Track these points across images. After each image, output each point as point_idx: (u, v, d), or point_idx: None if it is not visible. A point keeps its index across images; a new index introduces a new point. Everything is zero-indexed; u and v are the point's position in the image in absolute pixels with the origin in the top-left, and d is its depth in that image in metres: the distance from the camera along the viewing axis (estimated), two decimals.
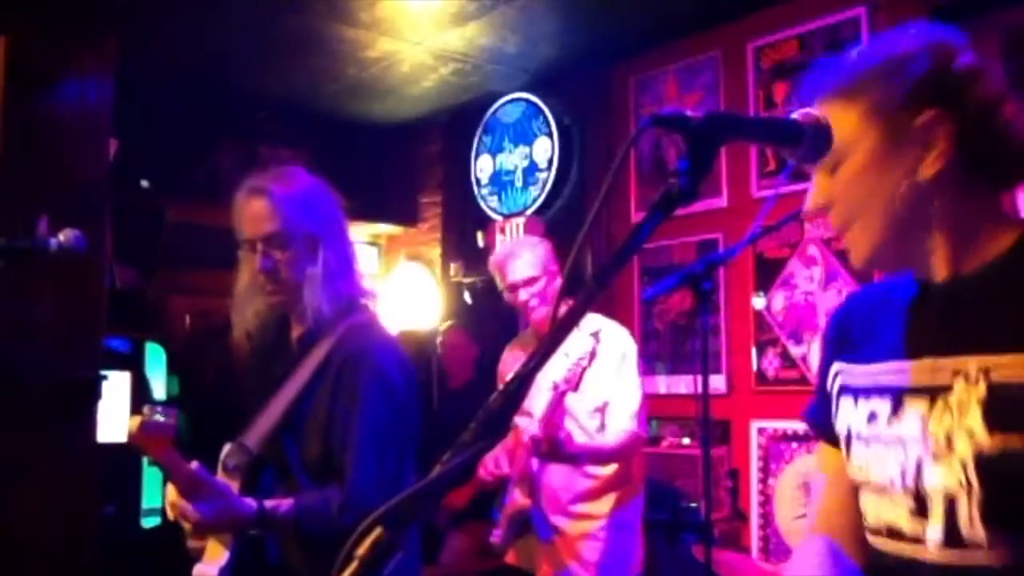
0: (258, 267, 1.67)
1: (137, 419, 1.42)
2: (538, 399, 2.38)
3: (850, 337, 1.08)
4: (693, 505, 3.16)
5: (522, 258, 2.51)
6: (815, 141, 0.86)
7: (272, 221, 1.67)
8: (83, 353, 2.66)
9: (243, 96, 4.62)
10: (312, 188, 1.74)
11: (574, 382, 2.38)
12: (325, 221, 1.71)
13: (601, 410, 2.46)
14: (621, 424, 2.44)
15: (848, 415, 1.03)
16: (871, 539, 1.01)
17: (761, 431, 3.50)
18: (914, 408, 0.95)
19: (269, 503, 1.57)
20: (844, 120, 0.95)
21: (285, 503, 1.58)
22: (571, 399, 2.41)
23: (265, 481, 1.69)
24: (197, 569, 1.61)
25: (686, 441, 3.70)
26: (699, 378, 2.19)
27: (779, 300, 3.50)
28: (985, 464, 0.87)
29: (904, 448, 0.95)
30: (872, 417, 1.00)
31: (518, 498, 2.51)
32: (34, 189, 2.58)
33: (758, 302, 3.57)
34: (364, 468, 1.60)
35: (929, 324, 0.98)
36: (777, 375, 3.50)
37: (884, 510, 0.98)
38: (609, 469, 2.51)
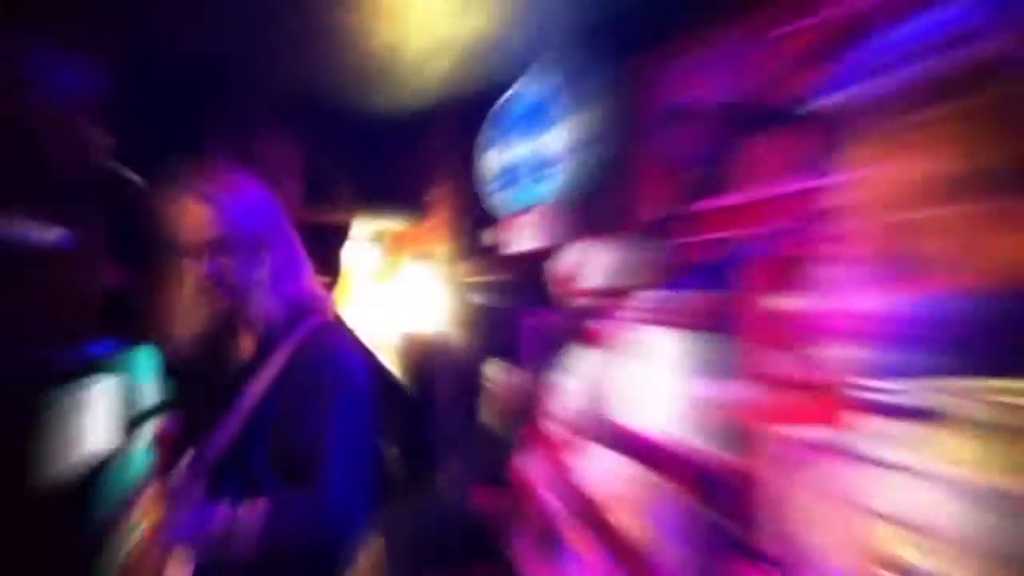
0: (204, 273, 1.64)
1: None
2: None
3: (885, 353, 1.02)
4: None
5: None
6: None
7: (217, 226, 1.65)
8: (70, 354, 2.60)
9: (241, 87, 4.55)
10: (255, 192, 1.73)
11: None
12: (270, 224, 1.70)
13: None
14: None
15: (869, 434, 0.98)
16: (882, 572, 0.95)
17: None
18: (955, 436, 0.89)
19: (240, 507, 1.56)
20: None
21: (257, 504, 1.56)
22: None
23: (227, 487, 1.66)
24: None
25: None
26: None
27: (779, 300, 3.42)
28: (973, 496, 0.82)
29: (933, 480, 0.90)
30: (897, 441, 0.93)
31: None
32: (23, 186, 2.51)
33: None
34: (336, 468, 1.60)
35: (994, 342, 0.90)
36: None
37: (901, 542, 0.92)
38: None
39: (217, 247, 1.64)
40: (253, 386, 1.68)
